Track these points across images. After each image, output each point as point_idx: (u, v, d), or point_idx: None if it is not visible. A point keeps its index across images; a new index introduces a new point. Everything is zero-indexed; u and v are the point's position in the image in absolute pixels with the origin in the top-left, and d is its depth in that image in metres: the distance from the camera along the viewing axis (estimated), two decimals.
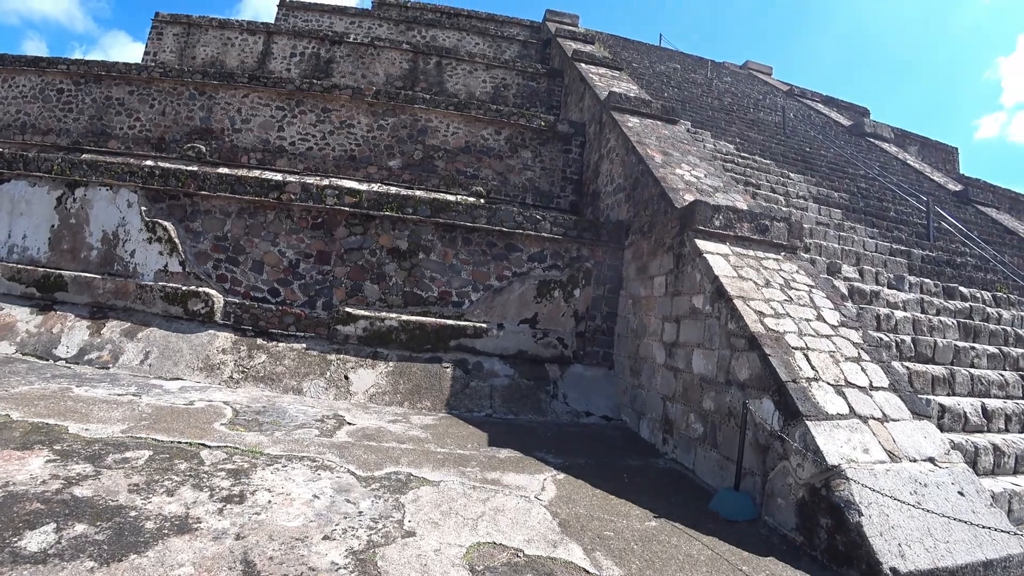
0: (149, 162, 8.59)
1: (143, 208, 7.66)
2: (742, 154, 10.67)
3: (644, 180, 7.08)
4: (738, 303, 4.85)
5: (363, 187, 7.35)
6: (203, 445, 4.53)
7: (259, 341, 7.24)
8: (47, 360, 6.94)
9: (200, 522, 3.22)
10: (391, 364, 6.92)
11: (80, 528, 3.03)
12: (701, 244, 5.52)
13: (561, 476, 4.70)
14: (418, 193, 7.31)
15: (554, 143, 11.05)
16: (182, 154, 9.85)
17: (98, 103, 11.52)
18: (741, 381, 4.59)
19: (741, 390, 4.56)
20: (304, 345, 7.17)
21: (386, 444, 5.00)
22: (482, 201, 7.46)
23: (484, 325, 7.18)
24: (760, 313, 4.82)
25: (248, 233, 7.52)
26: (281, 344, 7.20)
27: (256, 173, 7.63)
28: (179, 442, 4.54)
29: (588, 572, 3.13)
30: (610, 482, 4.71)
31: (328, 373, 6.79)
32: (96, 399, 5.50)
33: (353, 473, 4.20)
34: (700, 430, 5.11)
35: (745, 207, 6.21)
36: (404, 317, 7.06)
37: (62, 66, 11.75)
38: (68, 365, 6.86)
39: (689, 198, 6.10)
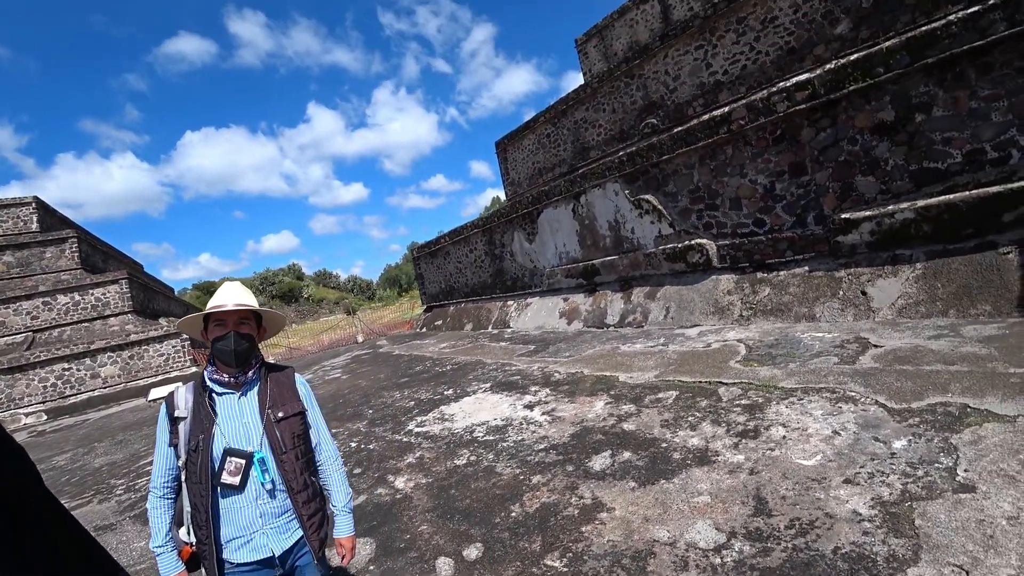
0: (619, 154, 9.85)
1: (626, 192, 8.90)
2: None
3: None
4: None
5: (808, 75, 6.00)
6: (720, 383, 4.73)
7: (758, 275, 7.03)
8: (601, 328, 9.00)
9: (717, 455, 3.34)
10: (918, 266, 5.28)
11: (626, 455, 3.69)
12: None
13: None
14: (887, 44, 5.34)
15: None
16: (641, 134, 10.90)
17: (571, 129, 14.32)
18: None
19: None
20: (806, 268, 6.47)
21: (927, 367, 3.82)
22: (990, 2, 4.69)
23: None
24: None
25: (715, 176, 7.49)
26: (782, 272, 6.75)
27: (703, 119, 7.52)
28: (699, 382, 4.91)
29: None
30: None
31: (840, 292, 5.85)
32: (635, 352, 6.67)
33: (882, 405, 3.41)
34: None
35: None
36: (920, 203, 5.24)
37: (541, 118, 15.38)
38: (615, 329, 8.67)
39: None
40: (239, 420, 1.83)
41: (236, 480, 1.74)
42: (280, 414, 1.88)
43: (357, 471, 4.73)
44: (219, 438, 1.77)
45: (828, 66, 5.79)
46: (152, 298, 22.07)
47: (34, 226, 19.97)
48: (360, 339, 20.46)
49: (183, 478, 1.79)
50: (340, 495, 2.05)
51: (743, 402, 4.13)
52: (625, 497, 3.10)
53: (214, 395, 1.84)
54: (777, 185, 6.75)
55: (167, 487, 1.82)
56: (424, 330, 17.57)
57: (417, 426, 5.77)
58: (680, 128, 7.89)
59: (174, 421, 1.81)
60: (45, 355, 15.61)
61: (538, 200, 11.46)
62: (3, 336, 16.91)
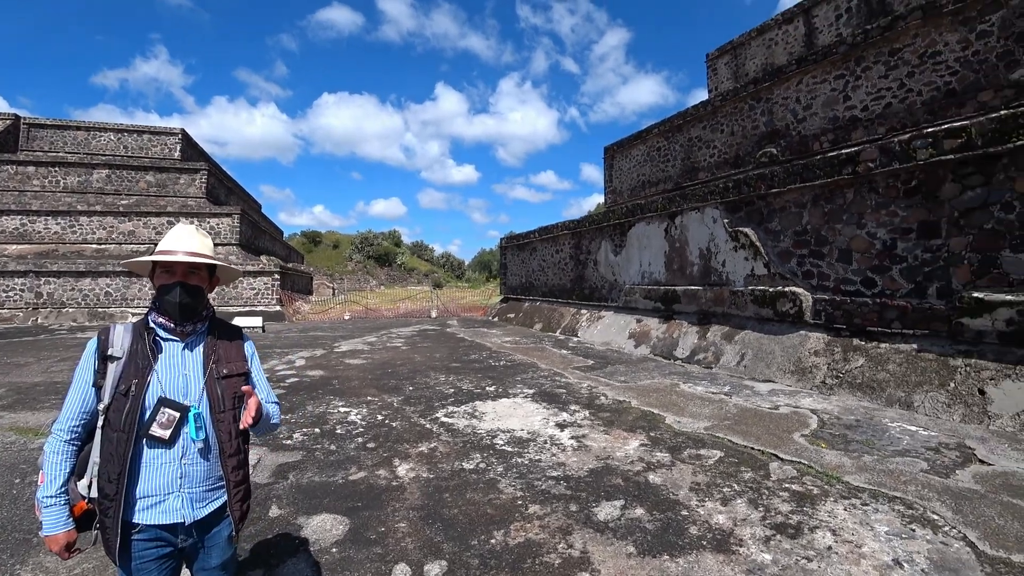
0: (723, 180, 9.10)
1: (725, 220, 8.15)
2: None
3: None
4: None
5: (966, 122, 5.03)
6: (775, 456, 4.13)
7: (855, 341, 6.14)
8: (668, 359, 8.36)
9: (740, 545, 2.84)
10: None
11: (639, 512, 3.27)
12: None
13: None
14: None
15: None
16: (756, 163, 9.96)
17: (684, 146, 13.47)
18: None
19: None
20: (914, 346, 5.52)
21: None
22: None
23: None
24: None
25: (828, 221, 6.62)
26: (883, 345, 5.83)
27: (826, 155, 6.67)
28: (751, 448, 4.33)
29: None
30: None
31: (951, 384, 4.91)
32: (694, 395, 6.08)
33: (971, 544, 2.71)
34: None
35: None
36: None
37: (655, 130, 14.62)
38: (682, 364, 8.01)
39: None
40: (180, 371, 1.67)
41: (166, 433, 1.58)
42: (224, 371, 1.73)
43: (371, 445, 4.66)
44: (155, 385, 1.60)
45: (995, 115, 4.82)
46: (259, 236, 24.13)
47: (176, 155, 22.65)
48: (433, 315, 20.92)
49: (99, 424, 1.60)
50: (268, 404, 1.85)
51: (794, 487, 3.53)
52: (617, 562, 2.70)
53: (158, 339, 1.69)
54: (899, 244, 5.80)
55: (75, 431, 1.63)
56: (495, 319, 17.58)
57: (446, 416, 5.63)
58: (798, 162, 7.05)
59: (104, 360, 1.63)
60: None
61: (632, 213, 10.91)
62: (132, 244, 19.36)
